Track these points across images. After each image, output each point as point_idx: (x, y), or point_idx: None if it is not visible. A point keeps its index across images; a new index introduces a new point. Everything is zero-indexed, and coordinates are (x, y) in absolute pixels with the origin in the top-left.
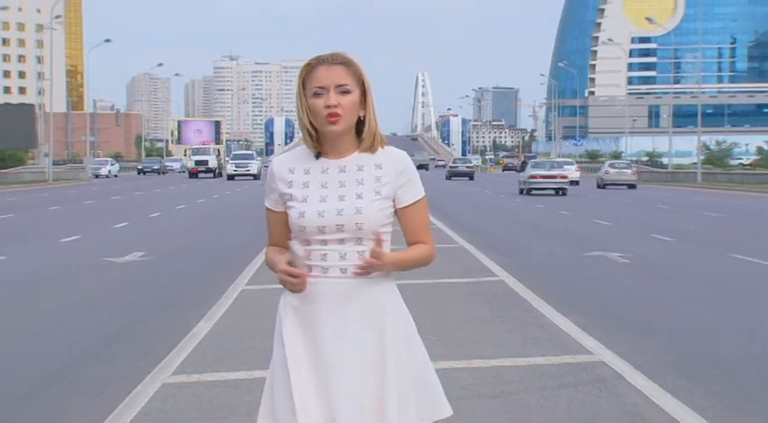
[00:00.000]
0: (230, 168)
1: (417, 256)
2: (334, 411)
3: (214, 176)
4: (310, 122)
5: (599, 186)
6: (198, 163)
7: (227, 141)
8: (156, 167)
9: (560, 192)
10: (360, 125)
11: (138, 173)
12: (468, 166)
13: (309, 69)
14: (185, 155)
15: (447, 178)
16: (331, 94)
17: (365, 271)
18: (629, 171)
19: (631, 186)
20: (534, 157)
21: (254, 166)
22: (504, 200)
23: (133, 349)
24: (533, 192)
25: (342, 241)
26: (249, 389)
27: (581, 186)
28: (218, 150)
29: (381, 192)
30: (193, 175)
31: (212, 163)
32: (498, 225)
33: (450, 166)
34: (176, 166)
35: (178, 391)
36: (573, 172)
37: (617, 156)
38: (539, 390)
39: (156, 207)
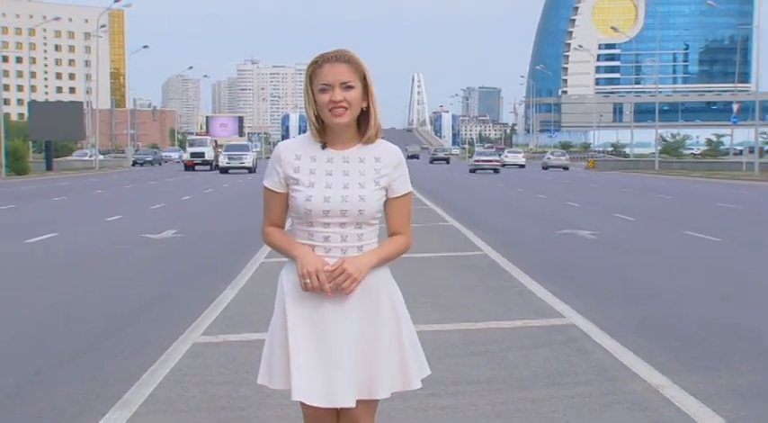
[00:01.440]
0: (223, 160)
1: (394, 251)
2: (331, 371)
3: (211, 169)
4: (316, 116)
5: (543, 168)
6: (194, 155)
7: (248, 134)
8: (149, 159)
9: (495, 170)
10: (362, 118)
11: (133, 164)
12: (444, 154)
13: (316, 67)
14: (182, 146)
15: (430, 162)
16: (336, 90)
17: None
18: (563, 158)
19: (565, 168)
20: (503, 149)
21: (249, 159)
22: (459, 176)
23: (168, 314)
24: (477, 171)
25: (343, 225)
26: None
27: (528, 169)
28: (216, 142)
29: (380, 182)
30: (189, 167)
31: (209, 155)
32: (457, 190)
33: (432, 154)
34: (175, 156)
35: (206, 349)
36: (520, 158)
37: (586, 147)
38: (518, 348)
39: (186, 191)
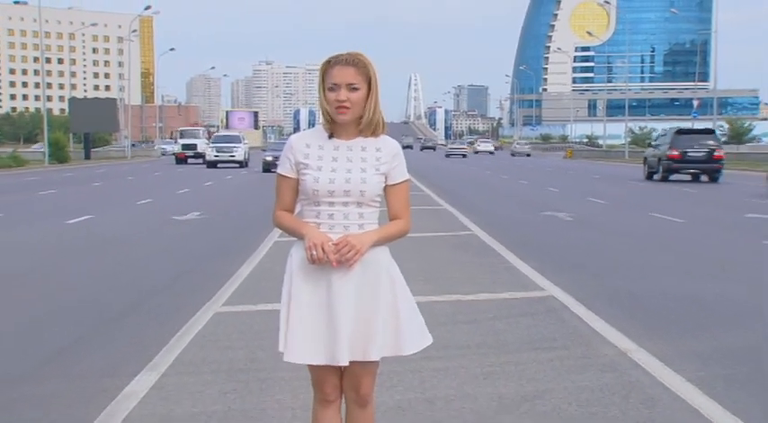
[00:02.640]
0: (210, 153)
1: (394, 232)
2: (331, 334)
3: (204, 162)
4: (326, 109)
5: (512, 155)
6: (185, 147)
7: (263, 127)
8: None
9: (463, 155)
10: (364, 116)
11: (163, 155)
12: (431, 144)
13: (328, 67)
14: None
15: (420, 150)
16: (342, 90)
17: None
18: (527, 147)
19: (528, 155)
20: (486, 138)
21: (239, 152)
22: (440, 160)
23: (193, 286)
24: (451, 156)
25: (346, 204)
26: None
27: (498, 155)
28: (209, 133)
29: (380, 169)
30: (181, 160)
31: (202, 147)
32: (441, 172)
33: (423, 144)
34: (170, 149)
35: (226, 318)
36: (489, 146)
37: (564, 138)
38: (504, 317)
39: (208, 178)
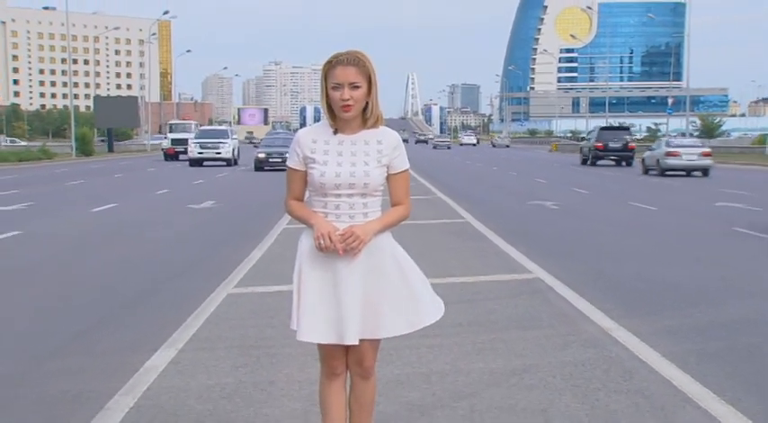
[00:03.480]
0: (193, 150)
1: (396, 218)
2: (339, 315)
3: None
4: (329, 106)
5: (493, 146)
6: (176, 142)
7: (272, 123)
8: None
9: (448, 147)
10: (365, 111)
11: (110, 150)
12: (425, 138)
13: (330, 67)
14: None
15: (415, 143)
16: (345, 89)
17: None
18: (507, 140)
19: (507, 146)
20: (469, 133)
21: (226, 148)
22: (430, 151)
23: (207, 270)
24: (437, 147)
25: (351, 196)
26: (288, 297)
27: (478, 147)
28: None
29: (382, 161)
30: (170, 156)
31: None
32: (433, 162)
33: (418, 137)
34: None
35: (239, 299)
36: (472, 139)
37: (549, 133)
38: (494, 298)
39: (221, 170)
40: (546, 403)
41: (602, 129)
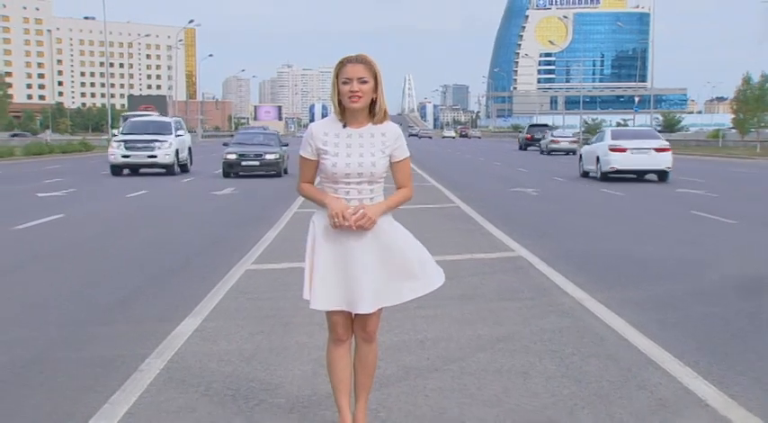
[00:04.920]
0: (115, 152)
1: (400, 200)
2: (351, 285)
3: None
4: (339, 101)
5: (468, 137)
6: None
7: (285, 119)
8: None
9: (429, 137)
10: (373, 105)
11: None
12: (417, 131)
13: (341, 66)
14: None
15: (408, 136)
16: (354, 83)
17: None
18: (479, 133)
19: (479, 137)
20: (468, 129)
21: (165, 150)
22: (418, 142)
23: (228, 248)
24: (421, 138)
25: (359, 183)
26: (300, 272)
27: (458, 139)
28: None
29: (385, 151)
30: (118, 168)
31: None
32: (421, 152)
33: (410, 132)
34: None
35: (256, 274)
36: (452, 133)
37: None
38: (480, 274)
39: None
40: (527, 366)
41: (531, 125)
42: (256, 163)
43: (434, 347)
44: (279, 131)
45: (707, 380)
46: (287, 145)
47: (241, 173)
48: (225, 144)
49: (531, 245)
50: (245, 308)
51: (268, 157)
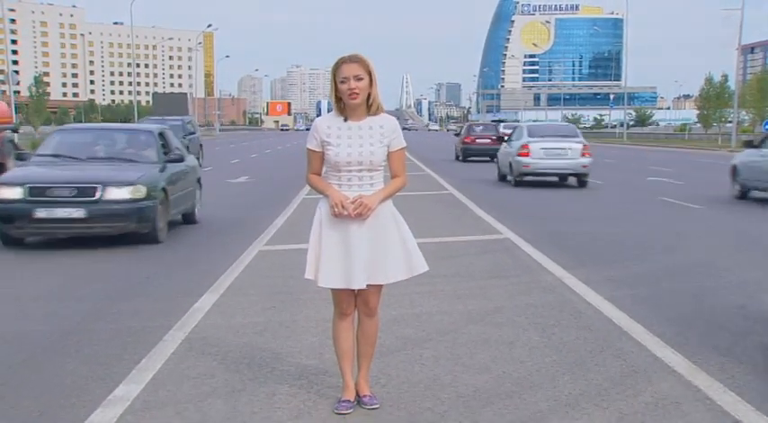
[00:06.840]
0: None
1: (396, 188)
2: (349, 265)
3: None
4: (337, 99)
5: (447, 131)
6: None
7: (295, 114)
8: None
9: (416, 129)
10: (369, 100)
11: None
12: (410, 125)
13: (337, 67)
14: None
15: (402, 129)
16: (351, 81)
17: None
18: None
19: (457, 135)
20: (462, 125)
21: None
22: (407, 133)
23: (242, 231)
24: (410, 129)
25: (360, 171)
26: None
27: (440, 133)
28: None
29: (383, 142)
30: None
31: None
32: (415, 143)
33: (403, 126)
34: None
35: (268, 254)
36: (437, 126)
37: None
38: (471, 254)
39: (253, 151)
40: (513, 337)
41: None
42: (69, 212)
43: (429, 320)
44: (192, 119)
45: (674, 348)
46: (193, 133)
47: (31, 239)
48: (20, 158)
49: (518, 227)
50: (258, 284)
51: (107, 195)
